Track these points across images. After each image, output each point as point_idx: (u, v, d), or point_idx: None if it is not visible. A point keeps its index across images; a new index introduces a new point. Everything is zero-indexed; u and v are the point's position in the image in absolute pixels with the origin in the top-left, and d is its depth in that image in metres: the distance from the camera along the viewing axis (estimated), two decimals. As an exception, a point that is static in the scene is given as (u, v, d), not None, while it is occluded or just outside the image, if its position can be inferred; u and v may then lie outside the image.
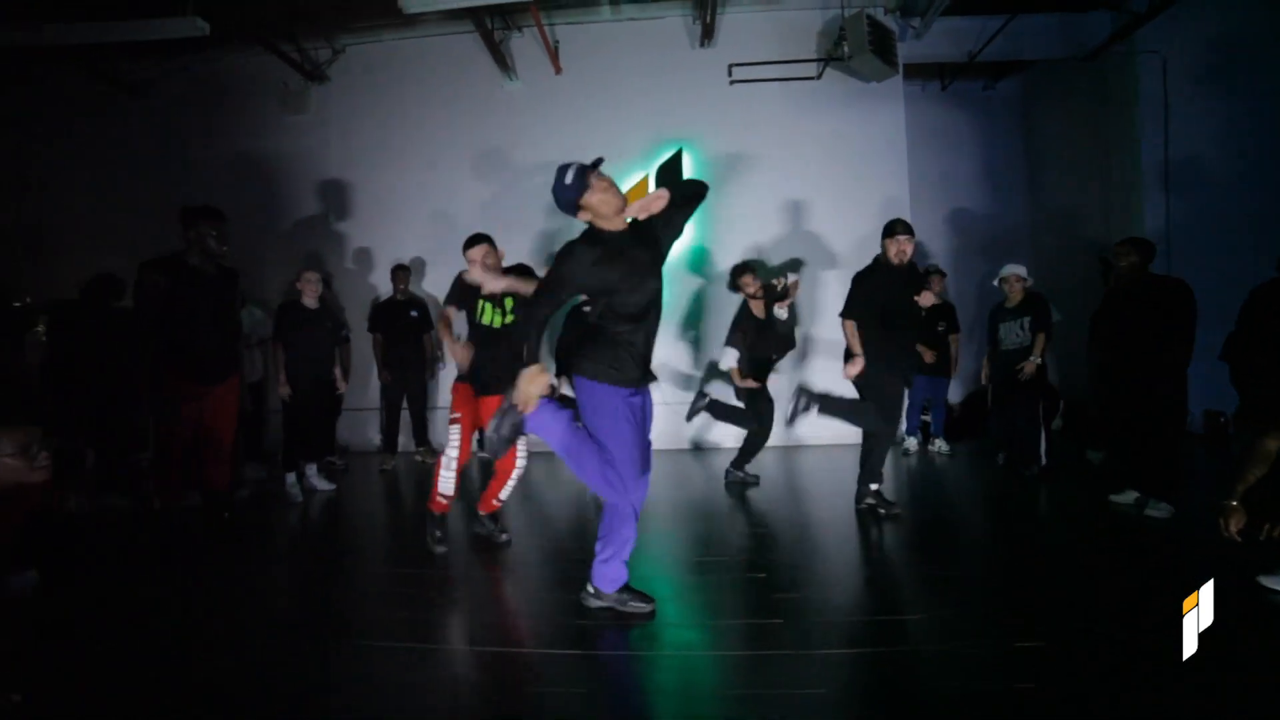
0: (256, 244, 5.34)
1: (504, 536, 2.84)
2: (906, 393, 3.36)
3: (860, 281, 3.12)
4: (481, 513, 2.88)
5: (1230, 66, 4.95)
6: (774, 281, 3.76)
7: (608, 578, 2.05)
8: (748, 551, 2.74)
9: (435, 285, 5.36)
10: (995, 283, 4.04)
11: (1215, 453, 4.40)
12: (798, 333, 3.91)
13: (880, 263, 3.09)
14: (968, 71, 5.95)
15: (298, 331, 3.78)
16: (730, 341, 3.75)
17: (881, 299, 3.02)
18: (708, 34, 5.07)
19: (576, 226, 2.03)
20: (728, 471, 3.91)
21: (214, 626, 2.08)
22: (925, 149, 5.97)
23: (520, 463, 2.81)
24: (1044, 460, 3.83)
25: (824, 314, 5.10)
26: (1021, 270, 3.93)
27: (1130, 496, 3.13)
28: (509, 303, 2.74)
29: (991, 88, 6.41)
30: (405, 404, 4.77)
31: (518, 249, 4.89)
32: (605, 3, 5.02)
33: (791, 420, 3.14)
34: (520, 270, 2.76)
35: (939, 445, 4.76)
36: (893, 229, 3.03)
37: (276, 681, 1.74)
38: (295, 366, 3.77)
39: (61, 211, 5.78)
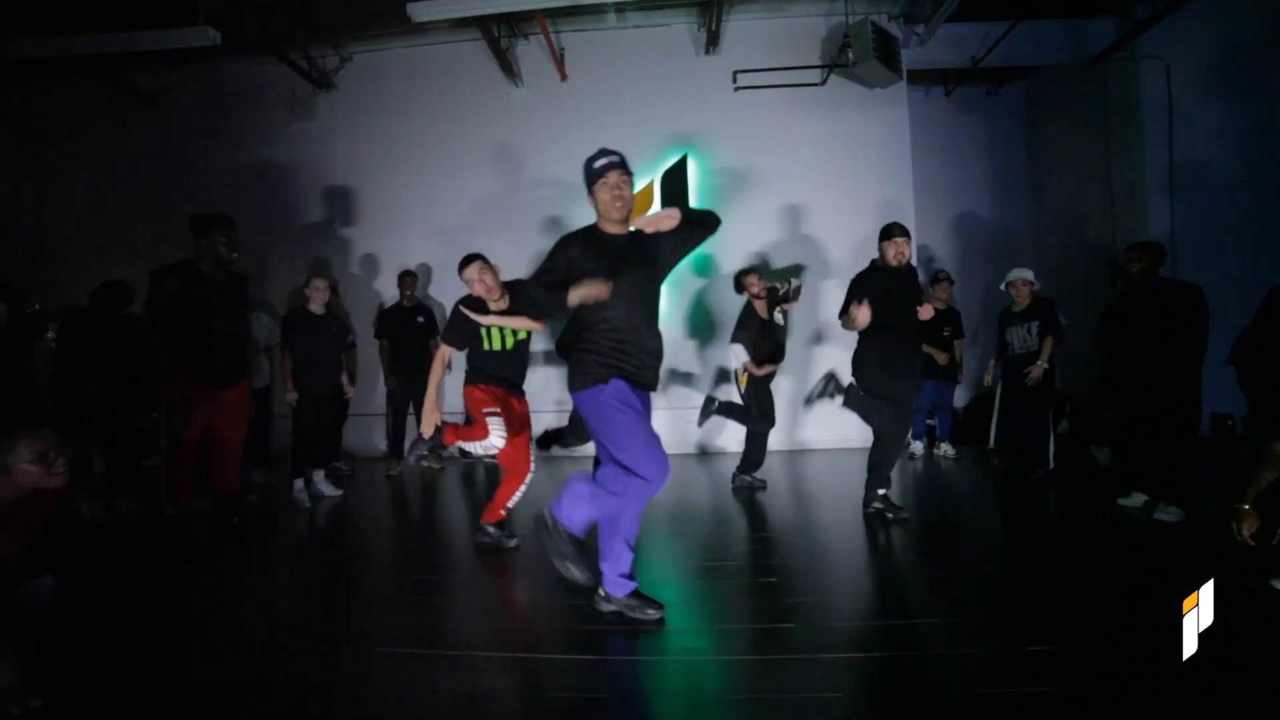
0: (263, 250, 5.39)
1: (512, 541, 2.84)
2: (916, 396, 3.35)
3: (858, 284, 3.10)
4: (485, 522, 2.86)
5: (1233, 71, 4.96)
6: (777, 285, 3.78)
7: (614, 581, 2.05)
8: (756, 556, 2.74)
9: (441, 291, 5.39)
10: (1002, 287, 4.04)
11: (1222, 456, 4.38)
12: (789, 343, 3.92)
13: (878, 266, 3.10)
14: (971, 77, 5.98)
15: (305, 338, 3.80)
16: (737, 339, 3.75)
17: (880, 301, 3.01)
18: (713, 41, 5.10)
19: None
20: (735, 477, 3.91)
21: (226, 631, 2.09)
22: (929, 154, 5.99)
23: (531, 469, 2.81)
24: (1051, 464, 3.83)
25: (825, 319, 5.11)
26: (1029, 274, 3.94)
27: (1138, 500, 3.12)
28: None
29: (995, 93, 6.43)
30: (411, 409, 4.79)
31: (524, 254, 4.91)
32: (611, 10, 5.06)
33: (810, 400, 3.14)
34: (518, 285, 2.76)
35: (944, 449, 4.75)
36: (889, 231, 3.04)
37: (286, 687, 1.74)
38: (302, 372, 3.79)
39: (72, 218, 5.84)
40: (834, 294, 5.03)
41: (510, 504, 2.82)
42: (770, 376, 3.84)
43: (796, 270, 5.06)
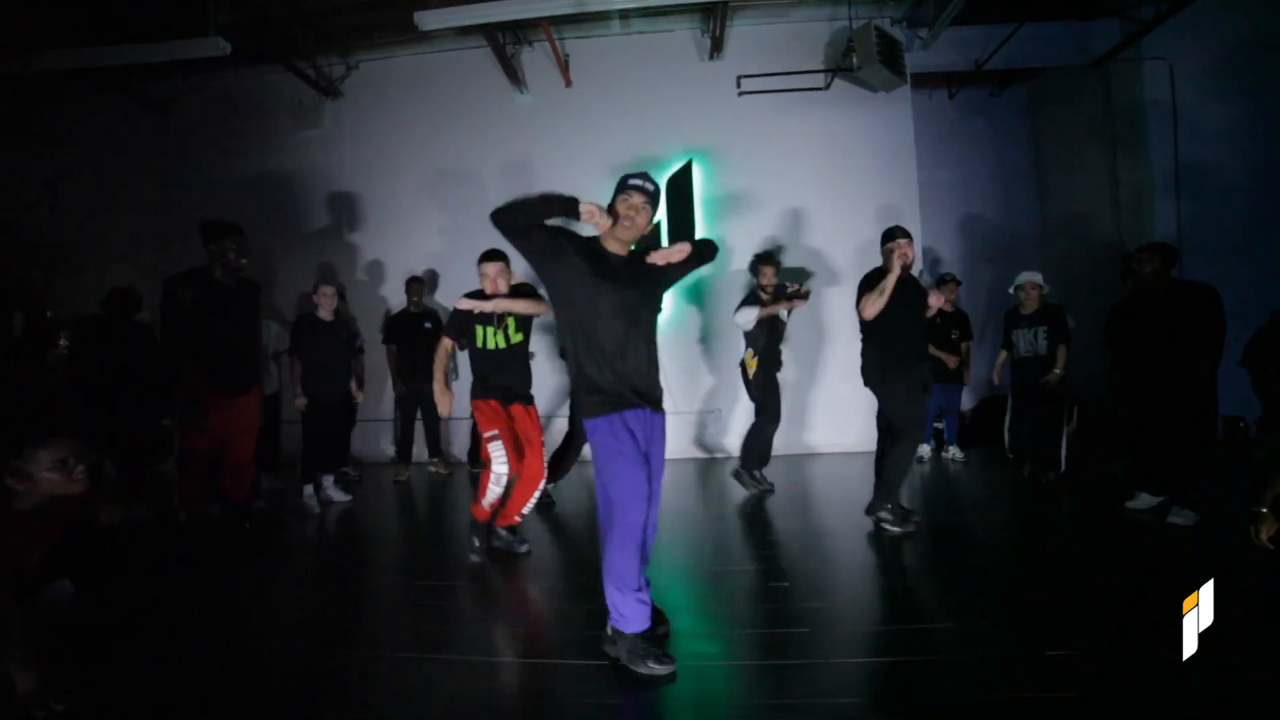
0: (270, 257, 5.42)
1: (524, 547, 2.84)
2: (927, 398, 3.32)
3: (870, 279, 3.09)
4: (498, 526, 2.87)
5: (1238, 70, 4.95)
6: (787, 284, 3.79)
7: (619, 613, 1.84)
8: (766, 560, 2.74)
9: (448, 297, 5.40)
10: (1011, 290, 4.04)
11: (1236, 458, 4.35)
12: (791, 344, 3.90)
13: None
14: (975, 80, 5.99)
15: (314, 343, 3.82)
16: (746, 303, 3.72)
17: (895, 311, 3.01)
18: (716, 46, 5.12)
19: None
20: (738, 474, 3.89)
21: (237, 636, 2.10)
22: (933, 157, 5.99)
23: (545, 474, 2.82)
24: (1063, 466, 3.82)
25: (831, 324, 5.11)
26: (1038, 278, 3.94)
27: (1145, 501, 3.10)
28: (511, 322, 2.76)
29: (998, 95, 6.44)
30: (419, 414, 4.81)
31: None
32: (615, 16, 5.08)
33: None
34: (524, 290, 2.78)
35: (953, 453, 4.74)
36: (892, 234, 3.04)
37: (296, 691, 1.75)
38: (311, 378, 3.81)
39: (82, 226, 5.88)
40: (838, 297, 5.04)
41: (525, 510, 2.83)
42: (777, 365, 3.83)
43: (803, 276, 5.04)
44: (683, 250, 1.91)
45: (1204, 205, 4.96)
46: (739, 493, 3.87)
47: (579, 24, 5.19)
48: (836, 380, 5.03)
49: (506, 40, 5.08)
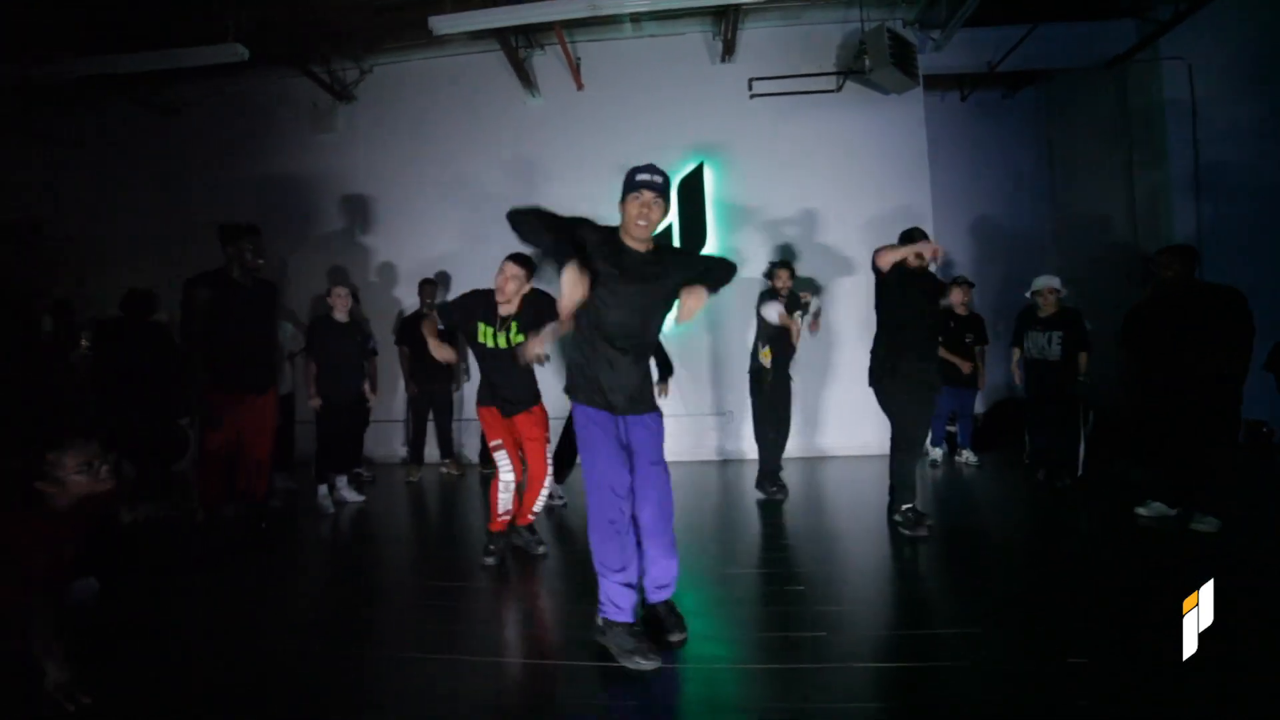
0: (284, 258, 5.48)
1: (541, 548, 2.86)
2: (935, 400, 3.30)
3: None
4: (519, 525, 2.91)
5: (1258, 70, 4.88)
6: (801, 294, 3.77)
7: (606, 597, 1.88)
8: (780, 564, 2.72)
9: (460, 298, 5.44)
10: (1028, 295, 4.00)
11: (1260, 463, 4.27)
12: (800, 346, 3.90)
13: (904, 271, 3.08)
14: (987, 81, 5.95)
15: (330, 344, 3.85)
16: (768, 297, 3.71)
17: (903, 303, 3.01)
18: (728, 49, 5.13)
19: None
20: (760, 487, 3.87)
21: (252, 634, 2.12)
22: (946, 159, 5.95)
23: (549, 472, 2.83)
24: (1080, 470, 3.77)
25: (843, 327, 5.08)
26: (1056, 282, 3.90)
27: (1156, 509, 3.05)
28: (513, 324, 2.75)
29: (1011, 97, 6.39)
30: (431, 415, 4.83)
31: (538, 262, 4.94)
32: (627, 20, 5.10)
33: None
34: (539, 297, 2.75)
35: (966, 456, 4.69)
36: (910, 236, 3.04)
37: (309, 690, 1.77)
38: (326, 379, 3.85)
39: (100, 229, 5.98)
40: (850, 300, 5.02)
41: (537, 508, 2.86)
42: (790, 354, 3.81)
43: (813, 288, 5.00)
44: (700, 298, 1.90)
45: (1224, 206, 4.89)
46: (751, 495, 3.86)
47: (591, 27, 5.21)
48: (849, 383, 5.00)
49: (518, 44, 5.11)
